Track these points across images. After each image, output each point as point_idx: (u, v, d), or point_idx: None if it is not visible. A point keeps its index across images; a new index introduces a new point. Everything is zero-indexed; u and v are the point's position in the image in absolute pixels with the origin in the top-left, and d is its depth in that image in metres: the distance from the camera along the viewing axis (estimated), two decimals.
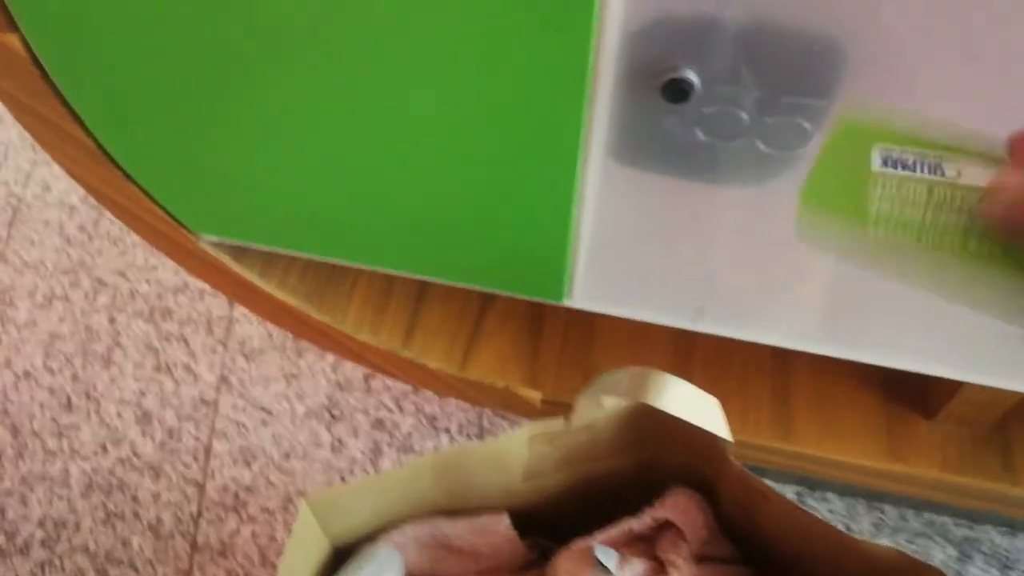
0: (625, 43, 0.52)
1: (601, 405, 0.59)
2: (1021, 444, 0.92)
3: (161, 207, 0.78)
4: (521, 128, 0.59)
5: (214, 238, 0.82)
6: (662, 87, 0.52)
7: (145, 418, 1.17)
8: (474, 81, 0.56)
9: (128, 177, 0.74)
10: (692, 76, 0.52)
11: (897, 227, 0.31)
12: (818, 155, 0.32)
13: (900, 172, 0.30)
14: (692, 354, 0.95)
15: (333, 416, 1.17)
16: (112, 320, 1.26)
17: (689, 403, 0.52)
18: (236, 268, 0.84)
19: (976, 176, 0.30)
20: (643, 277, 0.73)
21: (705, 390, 0.96)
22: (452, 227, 0.70)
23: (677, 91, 0.52)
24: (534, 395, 0.92)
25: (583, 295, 0.76)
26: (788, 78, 0.52)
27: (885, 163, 0.30)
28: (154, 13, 0.57)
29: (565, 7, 0.50)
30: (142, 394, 1.19)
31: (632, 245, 0.70)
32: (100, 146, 0.71)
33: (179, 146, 0.69)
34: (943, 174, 0.30)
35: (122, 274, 1.31)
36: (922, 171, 0.30)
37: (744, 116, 0.54)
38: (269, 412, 1.17)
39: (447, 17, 0.52)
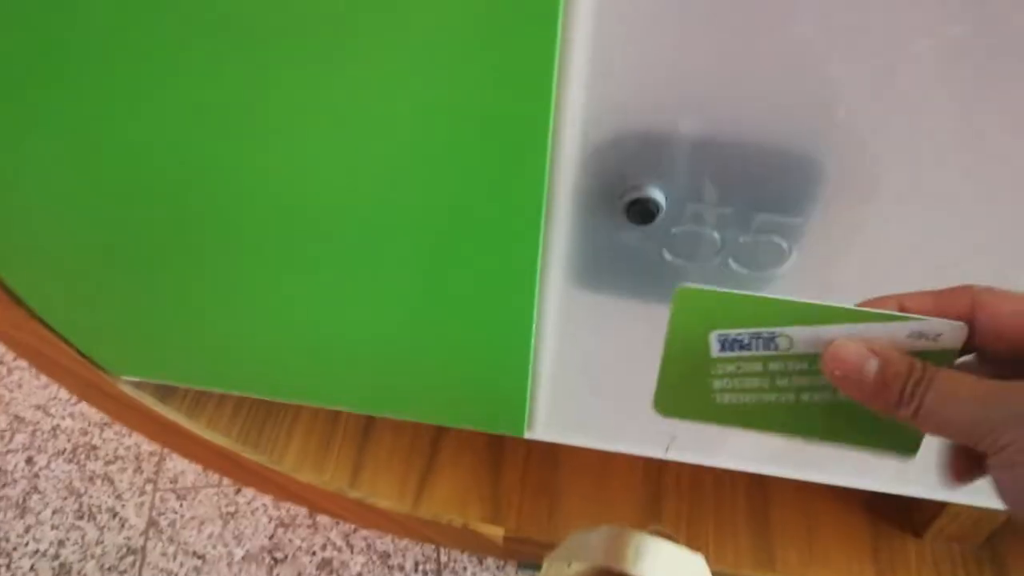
0: (584, 162, 0.48)
1: (569, 569, 0.52)
2: (1015, 559, 0.86)
3: (73, 347, 0.70)
4: (475, 255, 0.54)
5: (135, 378, 0.74)
6: (626, 207, 0.48)
7: (63, 572, 1.05)
8: (424, 205, 0.51)
9: (33, 315, 0.66)
10: (658, 195, 0.47)
11: (741, 403, 0.34)
12: (661, 361, 0.35)
13: (737, 353, 0.33)
14: (663, 479, 0.88)
15: (275, 559, 1.06)
16: (30, 461, 1.15)
17: (673, 567, 0.45)
18: (160, 409, 0.76)
19: (808, 341, 0.33)
20: (609, 406, 0.67)
21: (678, 517, 0.89)
22: (403, 361, 0.64)
23: (643, 211, 0.47)
24: (496, 532, 0.84)
25: (545, 426, 0.69)
26: (761, 195, 0.47)
27: (723, 347, 0.33)
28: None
29: (516, 127, 0.45)
30: (61, 544, 1.08)
31: (596, 373, 0.64)
32: None
33: (91, 283, 0.63)
34: (776, 348, 0.33)
35: (43, 408, 1.20)
36: (757, 348, 0.33)
37: (715, 235, 0.50)
38: (203, 558, 1.06)
39: (388, 148, 0.48)
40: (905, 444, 0.34)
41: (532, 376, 0.63)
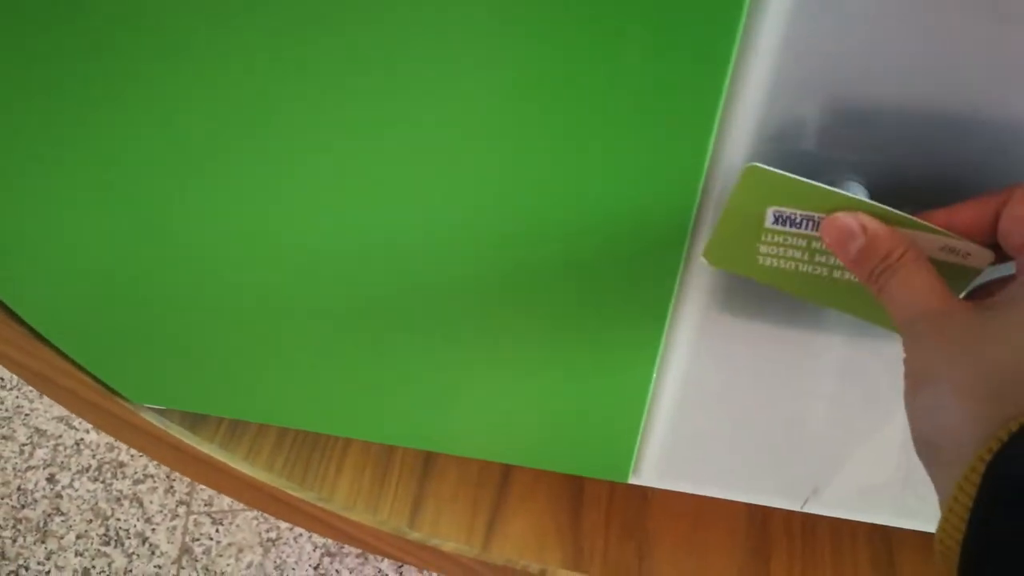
0: (757, 149, 0.35)
1: None
2: None
3: (87, 373, 0.59)
4: (607, 273, 0.41)
5: (159, 407, 0.63)
6: None
7: None
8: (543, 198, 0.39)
9: (33, 332, 0.55)
10: (860, 192, 0.34)
11: (779, 267, 0.37)
12: (719, 218, 0.37)
13: (787, 228, 0.35)
14: (769, 525, 0.75)
15: None
16: (52, 479, 1.05)
17: None
18: (191, 441, 0.64)
19: None
20: (733, 451, 0.54)
21: (790, 571, 0.77)
22: (494, 396, 0.52)
23: None
24: None
25: (655, 471, 0.57)
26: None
27: (776, 220, 0.35)
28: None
29: (676, 97, 0.33)
30: (86, 573, 0.98)
31: (724, 412, 0.52)
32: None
33: (104, 301, 0.51)
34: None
35: (65, 421, 1.10)
36: (805, 228, 0.35)
37: None
38: None
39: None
40: None
41: (647, 413, 0.51)
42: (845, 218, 0.33)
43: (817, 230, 0.35)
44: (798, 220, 0.35)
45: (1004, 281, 0.34)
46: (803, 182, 0.33)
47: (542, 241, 0.42)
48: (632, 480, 0.58)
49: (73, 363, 0.59)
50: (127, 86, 0.38)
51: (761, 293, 0.42)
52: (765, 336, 0.46)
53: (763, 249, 0.37)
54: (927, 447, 0.30)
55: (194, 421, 0.67)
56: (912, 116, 0.33)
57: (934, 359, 0.30)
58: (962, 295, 0.35)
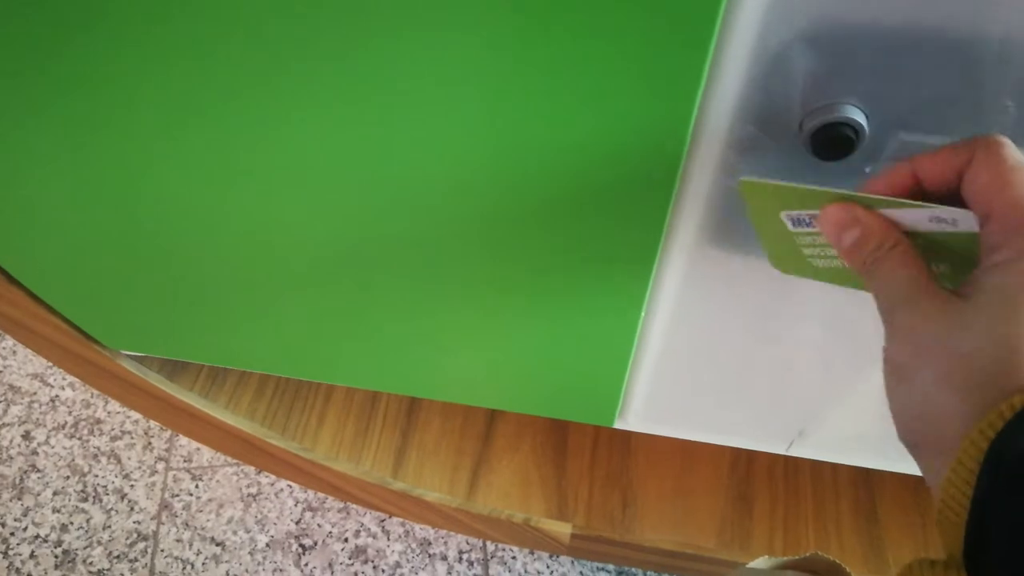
0: (754, 74, 0.34)
1: None
2: None
3: (62, 317, 0.57)
4: (596, 210, 0.41)
5: (137, 353, 0.61)
6: (811, 137, 0.34)
7: (67, 560, 0.95)
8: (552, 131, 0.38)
9: (7, 276, 0.53)
10: (857, 117, 0.33)
11: (833, 266, 0.36)
12: (758, 237, 0.37)
13: (807, 229, 0.35)
14: (753, 469, 0.76)
15: (303, 547, 0.96)
16: (27, 436, 1.03)
17: None
18: (169, 389, 0.63)
19: None
20: (721, 395, 0.54)
21: (772, 515, 0.77)
22: (480, 339, 0.51)
23: (835, 140, 0.33)
24: (563, 529, 0.72)
25: (640, 416, 0.57)
26: (1010, 118, 0.34)
27: (794, 223, 0.35)
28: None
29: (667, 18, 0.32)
30: (64, 529, 0.97)
31: (714, 353, 0.51)
32: None
33: (79, 243, 0.50)
34: None
35: (40, 378, 1.08)
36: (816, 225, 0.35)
37: None
38: (222, 545, 0.96)
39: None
40: None
41: (633, 357, 0.51)
42: (839, 211, 0.33)
43: None
44: (808, 220, 0.35)
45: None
46: (789, 187, 0.33)
47: (530, 183, 0.41)
48: (617, 425, 0.58)
49: (48, 308, 0.57)
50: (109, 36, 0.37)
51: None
52: (755, 275, 0.45)
53: (807, 252, 0.36)
54: (911, 435, 0.31)
55: (173, 369, 0.66)
56: (906, 35, 0.32)
57: (913, 350, 0.30)
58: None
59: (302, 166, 0.42)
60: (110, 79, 0.39)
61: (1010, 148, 0.30)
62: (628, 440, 0.77)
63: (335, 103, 0.39)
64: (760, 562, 0.40)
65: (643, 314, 0.48)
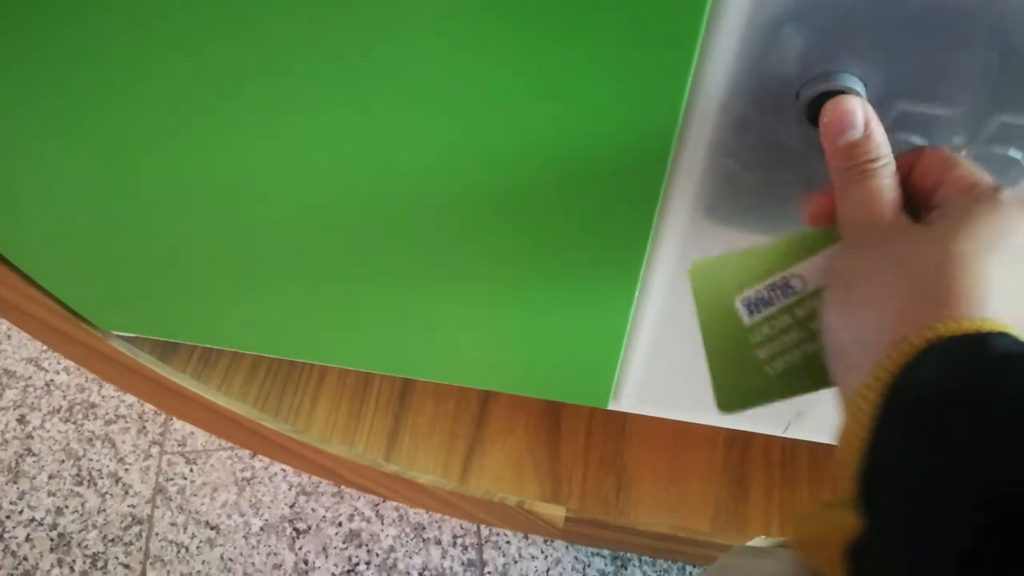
0: (748, 42, 0.34)
1: None
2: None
3: (53, 298, 0.57)
4: (587, 187, 0.40)
5: (129, 334, 0.61)
6: (807, 106, 0.33)
7: (62, 543, 0.95)
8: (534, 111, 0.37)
9: (2, 260, 0.53)
10: (855, 86, 0.33)
11: (792, 364, 0.34)
12: (706, 356, 0.35)
13: (764, 313, 0.33)
14: (749, 451, 0.76)
15: (297, 530, 0.96)
16: (22, 420, 1.03)
17: None
18: (161, 370, 0.63)
19: (817, 272, 0.34)
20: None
21: (768, 497, 0.77)
22: (471, 318, 0.51)
23: None
24: (556, 512, 0.72)
25: (634, 397, 0.57)
26: (1006, 86, 0.33)
27: (750, 312, 0.33)
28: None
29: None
30: (59, 512, 0.97)
31: None
32: None
33: (70, 222, 0.49)
34: (794, 291, 0.34)
35: (34, 362, 1.08)
36: (777, 300, 0.33)
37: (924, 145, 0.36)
38: (216, 528, 0.96)
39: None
40: None
41: (628, 337, 0.50)
42: (852, 103, 0.32)
43: (789, 296, 0.33)
44: (767, 297, 0.33)
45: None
46: (746, 250, 0.33)
47: (522, 163, 0.41)
48: (611, 406, 0.58)
49: (40, 289, 0.57)
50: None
51: (749, 197, 0.41)
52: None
53: (762, 354, 0.34)
54: (836, 350, 0.30)
55: (165, 350, 0.66)
56: (906, 5, 0.32)
57: (864, 264, 0.30)
58: None
59: (297, 147, 0.42)
60: (103, 58, 0.39)
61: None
62: (622, 424, 0.77)
63: (333, 84, 0.38)
64: (757, 541, 0.40)
65: (638, 293, 0.47)
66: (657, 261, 0.46)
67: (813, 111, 0.33)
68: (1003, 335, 0.26)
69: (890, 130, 0.35)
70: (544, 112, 0.38)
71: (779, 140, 0.37)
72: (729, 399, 0.35)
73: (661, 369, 0.55)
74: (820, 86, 0.33)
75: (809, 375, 0.34)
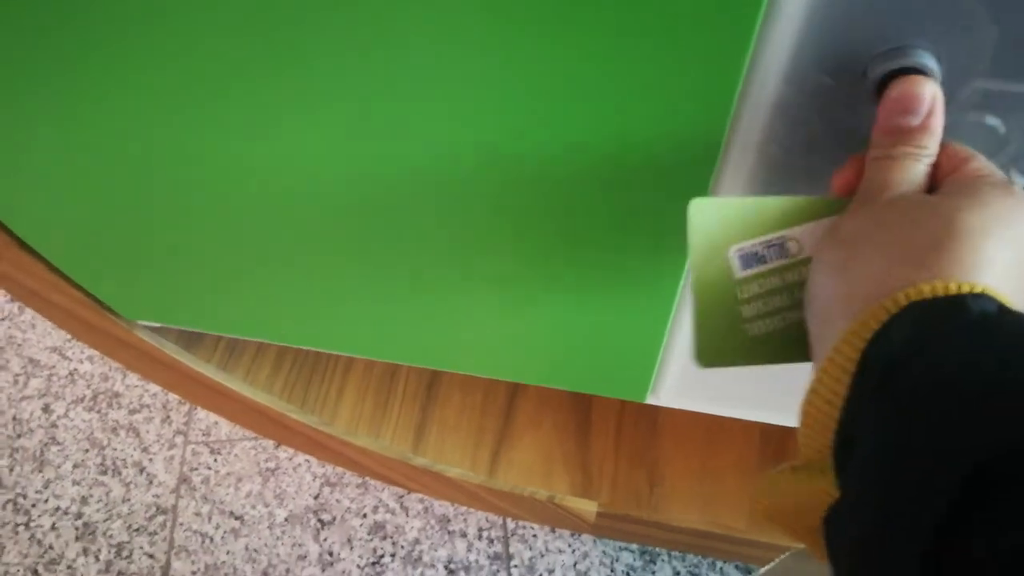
0: (811, 22, 0.32)
1: None
2: None
3: (78, 287, 0.56)
4: (633, 179, 0.38)
5: (155, 324, 0.60)
6: (879, 82, 0.31)
7: (87, 532, 0.94)
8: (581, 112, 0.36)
9: (24, 246, 0.52)
10: (929, 63, 0.31)
11: (773, 329, 0.34)
12: (693, 304, 0.33)
13: (756, 269, 0.32)
14: (785, 446, 0.73)
15: (322, 521, 0.95)
16: (47, 409, 1.03)
17: None
18: (186, 360, 0.62)
19: (813, 238, 0.33)
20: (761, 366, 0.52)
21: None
22: (508, 307, 0.49)
23: None
24: (587, 507, 0.70)
25: (673, 391, 0.55)
26: None
27: (743, 265, 0.32)
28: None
29: None
30: (84, 501, 0.97)
31: None
32: None
33: (97, 212, 0.48)
34: (788, 254, 0.33)
35: (59, 351, 1.08)
36: (771, 259, 0.32)
37: (1001, 128, 0.34)
38: (241, 519, 0.95)
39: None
40: None
41: (670, 328, 0.49)
42: (923, 88, 0.30)
43: (783, 258, 0.32)
44: (761, 254, 0.33)
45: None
46: (750, 200, 0.32)
47: (568, 150, 0.39)
48: (649, 400, 0.56)
49: (65, 278, 0.56)
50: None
51: (802, 180, 0.39)
52: None
53: (746, 312, 0.33)
54: (820, 310, 0.30)
55: (190, 340, 0.65)
56: None
57: (867, 226, 0.30)
58: None
59: (327, 130, 0.41)
60: (127, 44, 0.38)
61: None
62: (654, 418, 0.75)
63: (370, 61, 0.36)
64: None
65: (682, 282, 0.46)
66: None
67: (882, 89, 0.31)
68: (985, 297, 0.25)
69: (964, 108, 0.34)
70: (594, 102, 0.36)
71: (843, 124, 0.35)
72: (707, 352, 0.34)
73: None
74: (891, 63, 0.30)
75: (786, 344, 0.34)
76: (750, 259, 0.33)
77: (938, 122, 0.31)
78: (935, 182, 0.32)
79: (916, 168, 0.31)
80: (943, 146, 0.32)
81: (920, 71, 0.30)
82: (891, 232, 0.28)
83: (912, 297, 0.26)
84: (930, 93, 0.31)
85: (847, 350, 0.26)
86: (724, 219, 0.32)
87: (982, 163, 0.31)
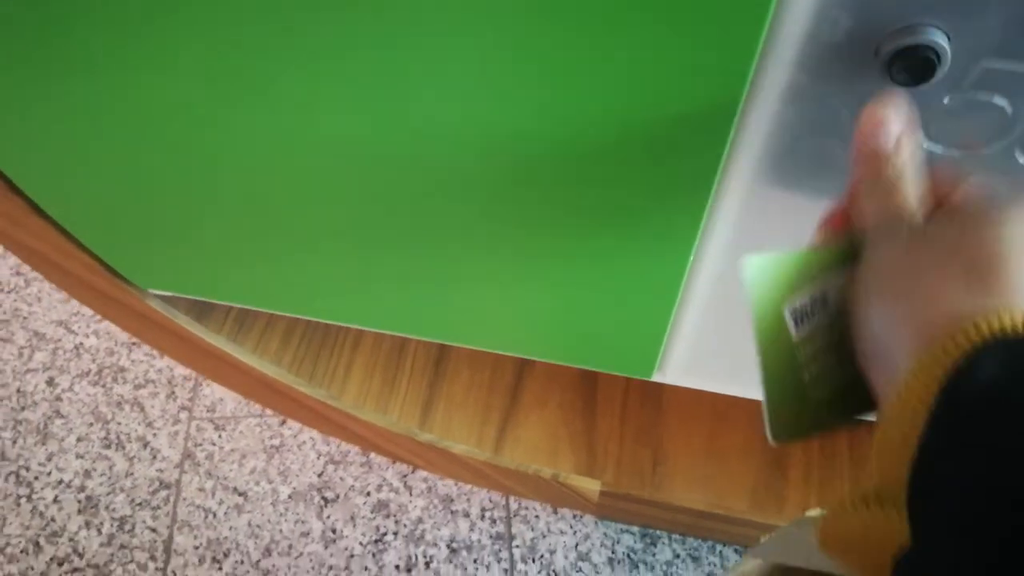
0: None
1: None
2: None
3: (92, 255, 0.56)
4: (645, 149, 0.38)
5: (167, 293, 0.60)
6: (889, 61, 0.32)
7: (90, 506, 0.95)
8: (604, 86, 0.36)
9: (39, 212, 0.52)
10: (940, 40, 0.31)
11: (828, 383, 0.31)
12: (762, 379, 0.31)
13: (808, 328, 0.31)
14: None
15: (325, 499, 0.95)
16: (51, 382, 1.03)
17: None
18: (196, 331, 0.62)
19: (839, 291, 0.31)
20: None
21: (807, 473, 0.76)
22: (518, 292, 0.50)
23: (915, 65, 0.31)
24: (591, 485, 0.71)
25: (680, 369, 0.55)
26: None
27: (796, 323, 0.31)
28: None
29: None
30: (87, 475, 0.97)
31: None
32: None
33: (111, 179, 0.48)
34: (828, 307, 0.31)
35: (64, 325, 1.08)
36: (817, 314, 0.31)
37: (1008, 108, 0.34)
38: (244, 495, 0.95)
39: None
40: None
41: (679, 303, 0.49)
42: (887, 113, 0.29)
43: (826, 310, 0.31)
44: (810, 310, 0.31)
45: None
46: (794, 253, 0.30)
47: (580, 124, 0.39)
48: (655, 377, 0.56)
49: (77, 243, 0.56)
50: None
51: (816, 158, 0.39)
52: (816, 216, 0.43)
53: (807, 376, 0.31)
54: (877, 350, 0.28)
55: (201, 311, 0.65)
56: None
57: (899, 255, 0.28)
58: None
59: (342, 100, 0.41)
60: (146, 13, 0.38)
61: None
62: (659, 397, 0.75)
63: (388, 36, 0.37)
64: (814, 512, 0.39)
65: (692, 258, 0.46)
66: (714, 229, 0.45)
67: (895, 67, 0.31)
68: None
69: (973, 87, 0.34)
70: (608, 80, 0.36)
71: (854, 99, 0.35)
72: (782, 427, 0.31)
73: (710, 340, 0.53)
74: (901, 40, 0.31)
75: (847, 403, 0.31)
76: (801, 316, 0.31)
77: (913, 136, 0.30)
78: (936, 201, 0.31)
79: (908, 192, 0.30)
80: (933, 169, 0.31)
81: (930, 47, 0.30)
82: (935, 256, 0.27)
83: (992, 330, 0.24)
84: (894, 109, 0.30)
85: (919, 387, 0.25)
86: (777, 276, 0.30)
87: (983, 178, 0.30)
